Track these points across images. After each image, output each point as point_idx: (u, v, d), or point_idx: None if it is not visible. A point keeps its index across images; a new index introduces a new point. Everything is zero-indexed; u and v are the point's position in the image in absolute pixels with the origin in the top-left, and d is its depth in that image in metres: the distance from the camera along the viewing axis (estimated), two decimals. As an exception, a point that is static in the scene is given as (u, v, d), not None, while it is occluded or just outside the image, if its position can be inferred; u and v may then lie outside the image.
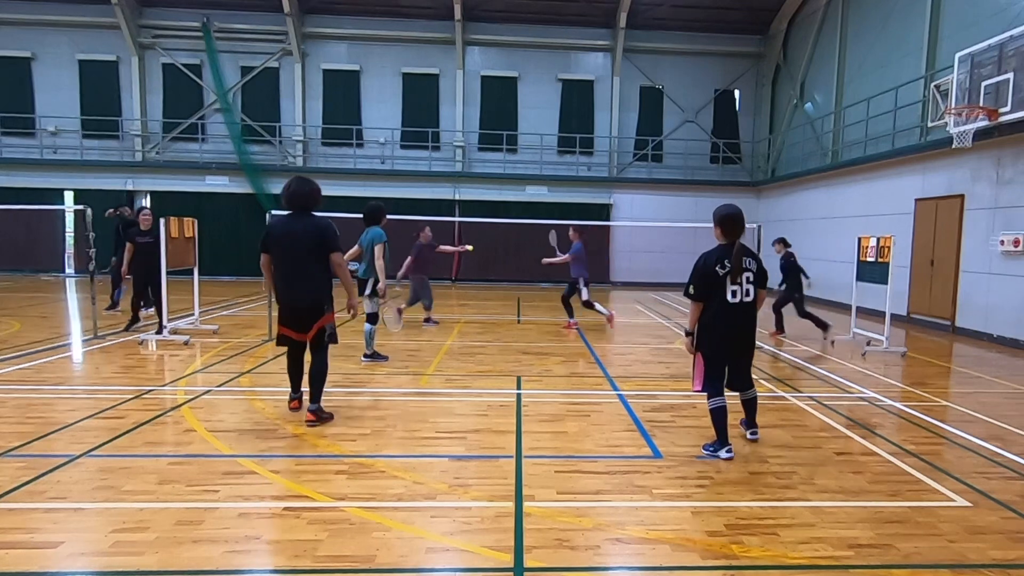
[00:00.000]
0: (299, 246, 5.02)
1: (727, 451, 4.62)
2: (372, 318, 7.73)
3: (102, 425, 5.07)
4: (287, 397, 5.42)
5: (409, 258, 10.64)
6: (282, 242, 5.06)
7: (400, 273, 10.50)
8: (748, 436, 5.00)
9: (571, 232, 10.81)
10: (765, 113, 21.56)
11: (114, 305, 11.88)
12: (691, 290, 4.60)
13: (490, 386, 6.81)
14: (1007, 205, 10.66)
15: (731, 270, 4.47)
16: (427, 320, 11.34)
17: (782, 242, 10.59)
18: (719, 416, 4.64)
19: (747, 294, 4.53)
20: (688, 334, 4.81)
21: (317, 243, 5.03)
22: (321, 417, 5.25)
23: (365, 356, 7.88)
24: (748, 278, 4.53)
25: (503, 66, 21.24)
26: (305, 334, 5.19)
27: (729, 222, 4.57)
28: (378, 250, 7.28)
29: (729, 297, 4.48)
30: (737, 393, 4.91)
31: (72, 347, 8.56)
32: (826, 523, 3.58)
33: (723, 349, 4.64)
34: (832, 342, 9.99)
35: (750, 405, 4.98)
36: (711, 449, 4.71)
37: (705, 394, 4.74)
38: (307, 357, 5.32)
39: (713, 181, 21.30)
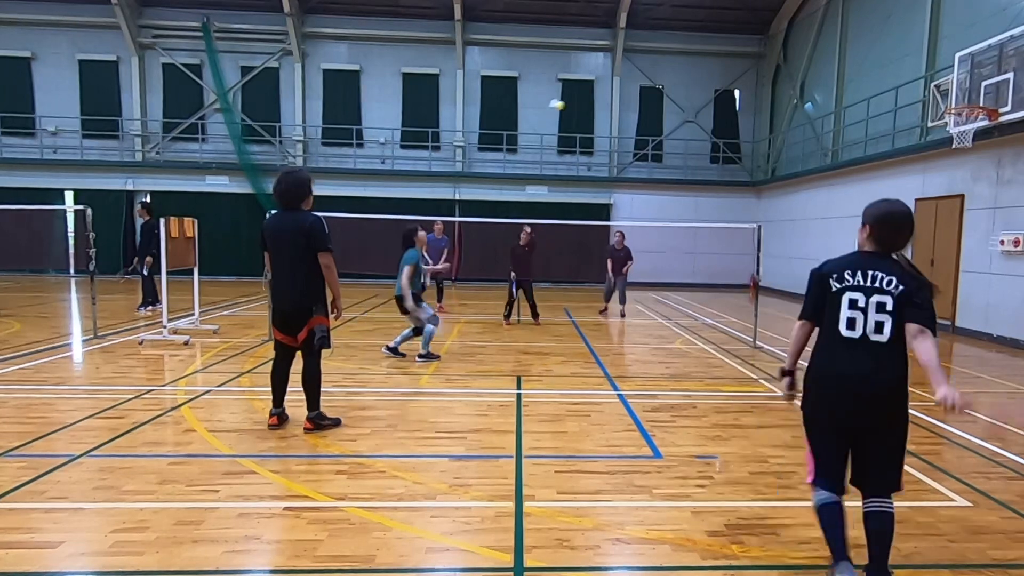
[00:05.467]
0: (286, 246, 4.86)
1: (843, 570, 2.78)
2: (417, 330, 8.18)
3: (102, 425, 5.07)
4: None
5: (610, 260, 13.38)
6: (272, 241, 4.94)
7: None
8: None
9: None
10: (765, 113, 21.55)
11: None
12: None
13: (490, 386, 6.81)
14: (1007, 205, 10.66)
15: (848, 286, 2.82)
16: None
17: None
18: (825, 519, 2.93)
19: (876, 329, 2.76)
20: (784, 374, 3.22)
21: (303, 242, 4.80)
22: (321, 424, 5.02)
23: (419, 356, 8.17)
24: (881, 305, 2.75)
25: (503, 66, 21.22)
26: (293, 338, 4.94)
27: (887, 227, 2.84)
28: (406, 271, 7.74)
29: (843, 327, 2.82)
30: (859, 493, 2.98)
31: (72, 347, 8.56)
32: (826, 523, 3.58)
33: (823, 410, 2.93)
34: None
35: (876, 524, 2.88)
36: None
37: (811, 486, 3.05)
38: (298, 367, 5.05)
39: (713, 181, 21.30)
